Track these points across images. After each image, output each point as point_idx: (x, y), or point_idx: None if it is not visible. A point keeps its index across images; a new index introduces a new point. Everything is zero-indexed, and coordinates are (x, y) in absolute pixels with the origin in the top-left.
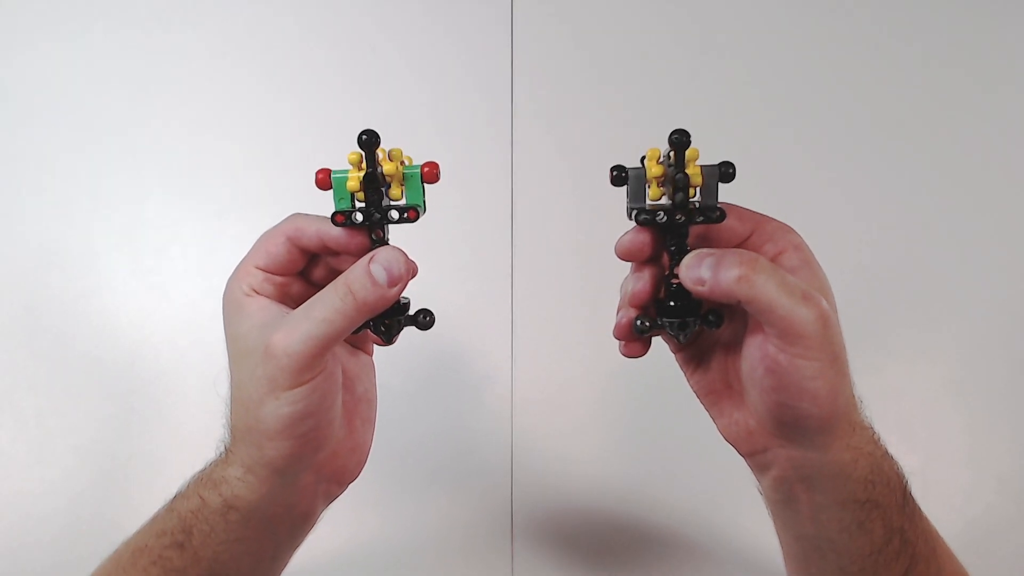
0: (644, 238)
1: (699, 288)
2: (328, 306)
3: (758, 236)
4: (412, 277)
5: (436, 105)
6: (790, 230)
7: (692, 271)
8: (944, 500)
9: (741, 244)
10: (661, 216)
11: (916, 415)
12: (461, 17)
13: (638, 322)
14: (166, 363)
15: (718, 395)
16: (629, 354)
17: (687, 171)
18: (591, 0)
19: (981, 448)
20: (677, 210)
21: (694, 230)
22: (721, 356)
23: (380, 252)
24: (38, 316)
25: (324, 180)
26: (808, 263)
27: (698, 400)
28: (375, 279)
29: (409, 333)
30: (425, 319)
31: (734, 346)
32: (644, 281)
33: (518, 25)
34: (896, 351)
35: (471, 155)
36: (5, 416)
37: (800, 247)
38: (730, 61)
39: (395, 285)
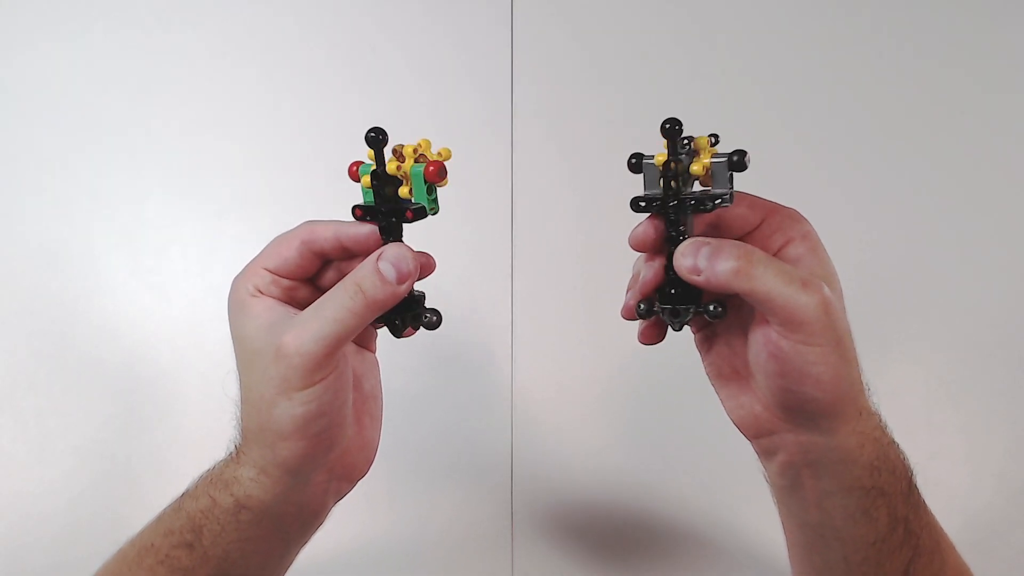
0: (648, 227)
1: (694, 278)
2: (338, 305)
3: (768, 225)
4: (430, 273)
5: (436, 105)
6: (800, 218)
7: (685, 259)
8: (943, 498)
9: (751, 232)
10: (656, 203)
11: (916, 414)
12: (461, 17)
13: (640, 306)
14: (166, 363)
15: (727, 378)
16: (645, 340)
17: (693, 161)
18: (591, 0)
19: (980, 447)
20: (668, 198)
21: (704, 219)
22: (730, 341)
23: (387, 249)
24: (38, 316)
25: (356, 172)
26: (815, 250)
27: (703, 389)
28: (384, 276)
29: None
30: (432, 318)
31: (741, 332)
32: (652, 269)
33: (518, 25)
34: (896, 350)
35: (471, 155)
36: (5, 416)
37: (808, 235)
38: (730, 61)
39: (404, 281)
